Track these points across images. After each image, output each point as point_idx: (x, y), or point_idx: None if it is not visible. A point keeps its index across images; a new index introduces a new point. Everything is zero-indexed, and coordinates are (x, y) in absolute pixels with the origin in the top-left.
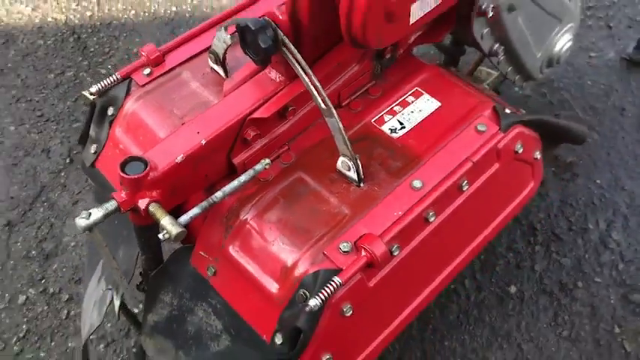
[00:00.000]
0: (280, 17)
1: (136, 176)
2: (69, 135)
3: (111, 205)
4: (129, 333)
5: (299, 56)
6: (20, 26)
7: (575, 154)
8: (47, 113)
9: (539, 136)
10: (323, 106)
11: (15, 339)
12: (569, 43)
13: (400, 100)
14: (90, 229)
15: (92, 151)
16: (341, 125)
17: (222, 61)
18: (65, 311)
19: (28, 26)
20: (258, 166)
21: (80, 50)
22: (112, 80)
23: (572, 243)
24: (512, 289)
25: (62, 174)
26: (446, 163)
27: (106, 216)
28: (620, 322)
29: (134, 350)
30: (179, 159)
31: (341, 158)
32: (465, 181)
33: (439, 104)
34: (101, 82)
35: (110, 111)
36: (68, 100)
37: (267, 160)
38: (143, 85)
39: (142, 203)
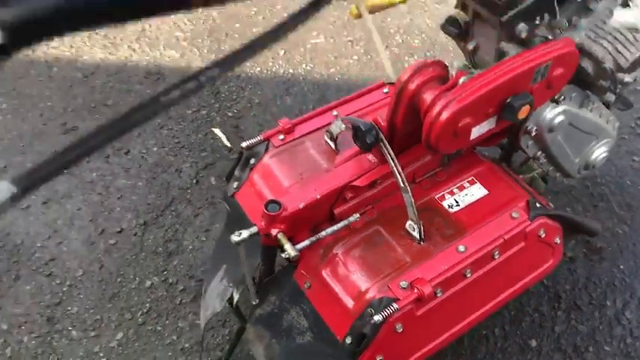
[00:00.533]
0: (382, 123)
1: (273, 214)
2: (197, 161)
3: (253, 229)
4: (225, 323)
5: (390, 150)
6: (169, 67)
7: (606, 241)
8: (183, 141)
9: (561, 226)
10: (402, 185)
11: (140, 313)
12: (605, 154)
13: (458, 184)
14: (239, 243)
15: (234, 186)
16: (412, 200)
17: (335, 140)
18: (179, 299)
19: (175, 69)
20: (351, 218)
21: (214, 94)
22: (257, 140)
23: (590, 314)
24: (533, 343)
25: (189, 191)
26: (484, 237)
27: (251, 236)
28: None
29: (227, 338)
30: (301, 206)
31: (409, 222)
32: (497, 252)
33: (487, 192)
34: (250, 140)
35: (252, 161)
36: (200, 133)
37: (357, 215)
38: (277, 147)
39: (274, 232)
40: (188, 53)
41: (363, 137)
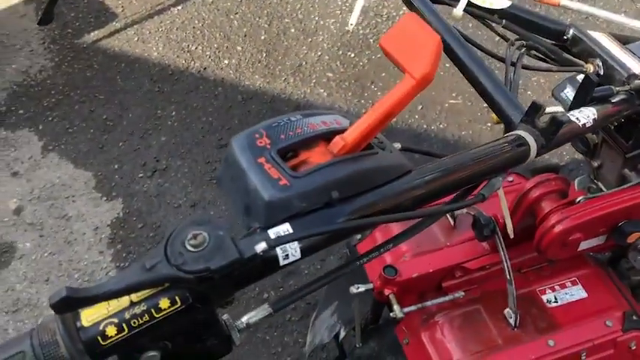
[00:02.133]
0: (500, 220)
1: (389, 277)
2: None
3: (369, 286)
4: (324, 349)
5: (503, 245)
6: (316, 104)
7: None
8: None
9: None
10: (507, 277)
11: None
12: None
13: (560, 282)
14: (355, 295)
15: (358, 237)
16: (515, 293)
17: (455, 218)
18: (289, 316)
19: (321, 106)
20: (457, 294)
21: None
22: None
23: None
24: None
25: None
26: (575, 337)
27: (367, 291)
28: None
29: None
30: (414, 275)
31: (507, 309)
32: (585, 354)
33: (586, 295)
34: None
35: None
36: None
37: (462, 293)
38: None
39: (386, 292)
40: (334, 94)
41: (481, 229)
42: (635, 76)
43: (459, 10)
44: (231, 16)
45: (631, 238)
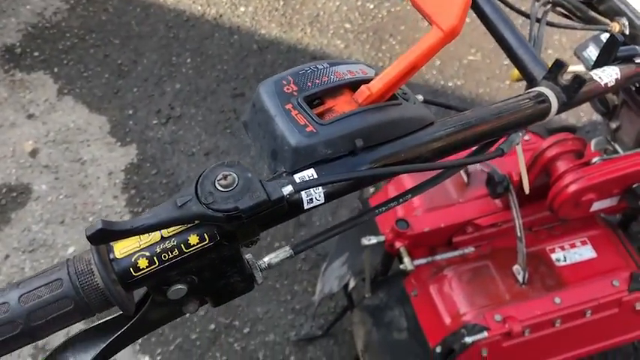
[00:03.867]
0: (514, 177)
1: (401, 230)
2: None
3: (381, 238)
4: (333, 297)
5: (516, 203)
6: (333, 56)
7: None
8: None
9: None
10: (518, 234)
11: None
12: None
13: (571, 242)
14: (366, 247)
15: (371, 191)
16: (524, 250)
17: (468, 174)
18: (299, 265)
19: (338, 58)
20: (467, 250)
21: None
22: None
23: None
24: None
25: None
26: (581, 295)
27: (378, 244)
28: None
29: (332, 310)
30: (426, 230)
31: (517, 266)
32: (590, 311)
33: (595, 255)
34: None
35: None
36: None
37: (472, 248)
38: None
39: (397, 244)
40: (352, 46)
41: (495, 186)
42: None
43: None
44: None
45: None
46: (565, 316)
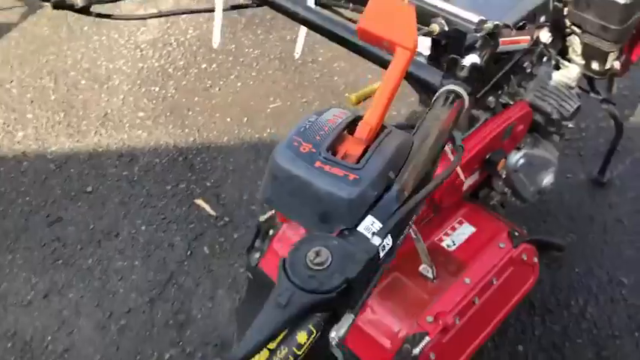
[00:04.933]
0: None
1: None
2: (186, 233)
3: None
4: None
5: None
6: (139, 147)
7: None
8: (169, 216)
9: (536, 248)
10: (414, 236)
11: None
12: (553, 180)
13: (451, 226)
14: None
15: (256, 257)
16: (425, 248)
17: None
18: None
19: (146, 147)
20: None
21: (188, 167)
22: (272, 213)
23: (560, 314)
24: (520, 348)
25: (185, 263)
26: (483, 267)
27: None
28: None
29: None
30: None
31: (422, 265)
32: (495, 278)
33: (475, 229)
34: (266, 214)
35: (271, 232)
36: (183, 206)
37: None
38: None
39: None
40: (154, 131)
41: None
42: (482, 21)
43: (310, 3)
44: (7, 86)
45: (500, 165)
46: (479, 291)
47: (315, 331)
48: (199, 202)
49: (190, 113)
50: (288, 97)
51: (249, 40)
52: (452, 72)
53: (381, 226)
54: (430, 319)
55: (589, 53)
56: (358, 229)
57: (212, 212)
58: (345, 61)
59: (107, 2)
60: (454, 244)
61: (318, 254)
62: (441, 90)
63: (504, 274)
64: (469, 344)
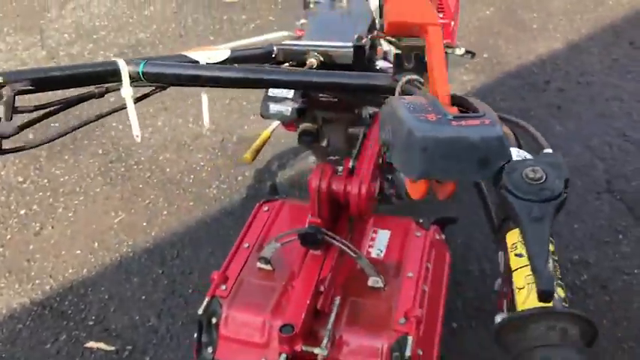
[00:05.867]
0: (317, 220)
1: (288, 335)
2: None
3: None
4: None
5: (337, 237)
6: None
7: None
8: None
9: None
10: (354, 255)
11: None
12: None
13: (370, 237)
14: None
15: (210, 351)
16: (367, 261)
17: (270, 262)
18: None
19: None
20: (334, 308)
21: (59, 316)
22: (207, 301)
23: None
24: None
25: None
26: (415, 258)
27: None
28: None
29: None
30: (303, 316)
31: (370, 279)
32: (428, 263)
33: (389, 231)
34: (201, 306)
35: (214, 320)
36: (76, 357)
37: (337, 300)
38: (227, 296)
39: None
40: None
41: (314, 238)
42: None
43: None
44: None
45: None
46: (424, 279)
47: (553, 240)
48: (91, 344)
49: (33, 264)
50: (129, 206)
51: (59, 168)
52: (400, 67)
53: (518, 150)
54: (402, 320)
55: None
56: (512, 161)
57: (109, 348)
58: (169, 152)
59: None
60: (382, 251)
61: (534, 171)
62: (403, 80)
63: (432, 256)
64: (435, 328)
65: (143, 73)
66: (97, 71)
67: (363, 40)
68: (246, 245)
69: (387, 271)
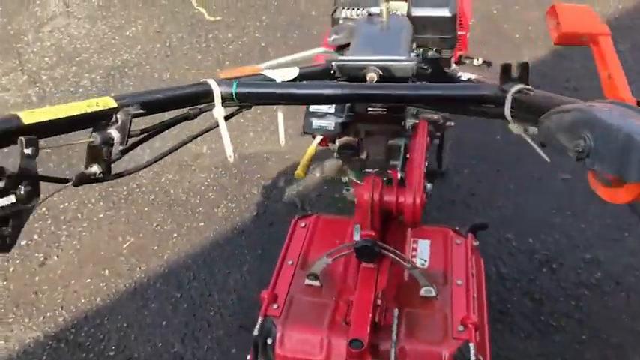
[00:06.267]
0: (372, 233)
1: (359, 350)
2: None
3: None
4: None
5: (392, 248)
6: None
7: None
8: None
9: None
10: (409, 265)
11: None
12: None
13: (412, 249)
14: None
15: None
16: (420, 272)
17: (318, 277)
18: None
19: (14, 356)
20: (394, 320)
21: (77, 348)
22: (260, 322)
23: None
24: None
25: None
26: (460, 266)
27: None
28: None
29: None
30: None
31: (423, 289)
32: (474, 270)
33: (429, 240)
34: (255, 327)
35: (269, 341)
36: None
37: (396, 310)
38: (280, 315)
39: None
40: (11, 334)
41: (371, 251)
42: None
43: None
44: None
45: None
46: (472, 286)
47: None
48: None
49: (41, 295)
50: (136, 229)
51: (56, 195)
52: (507, 76)
53: None
54: (461, 328)
55: None
56: None
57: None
58: (171, 173)
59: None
60: (425, 261)
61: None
62: (513, 90)
63: (473, 263)
64: (484, 333)
65: (236, 94)
66: (191, 92)
67: (429, 54)
68: (289, 262)
69: (435, 279)
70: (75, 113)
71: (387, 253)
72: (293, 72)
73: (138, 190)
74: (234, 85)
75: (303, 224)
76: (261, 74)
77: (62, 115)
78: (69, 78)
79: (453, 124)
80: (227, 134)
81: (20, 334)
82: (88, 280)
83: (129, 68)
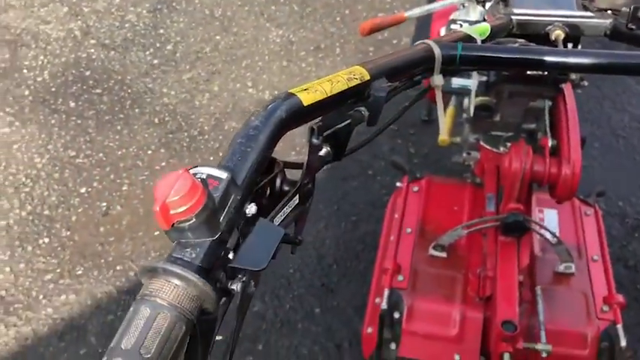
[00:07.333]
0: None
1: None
2: None
3: None
4: None
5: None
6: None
7: None
8: None
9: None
10: (554, 240)
11: None
12: None
13: (539, 219)
14: None
15: (392, 348)
16: (566, 247)
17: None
18: None
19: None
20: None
21: None
22: (387, 294)
23: None
24: None
25: None
26: (594, 239)
27: None
28: None
29: None
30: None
31: (562, 265)
32: (605, 242)
33: (556, 211)
34: (384, 297)
35: (396, 315)
36: None
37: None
38: (406, 288)
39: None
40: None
41: (522, 226)
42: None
43: None
44: None
45: None
46: (607, 261)
47: None
48: None
49: (107, 247)
50: None
51: (112, 140)
52: None
53: None
54: (606, 308)
55: None
56: None
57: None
58: (234, 120)
59: None
60: (555, 234)
61: None
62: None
63: (604, 233)
64: None
65: (460, 57)
66: (413, 57)
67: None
68: (408, 230)
69: (574, 254)
70: (341, 89)
71: (534, 227)
72: (485, 29)
73: (200, 137)
74: (459, 48)
75: (415, 188)
76: (463, 33)
77: (330, 93)
78: (112, 12)
79: (587, 83)
80: (442, 107)
81: (90, 287)
82: (157, 233)
83: (177, 2)
